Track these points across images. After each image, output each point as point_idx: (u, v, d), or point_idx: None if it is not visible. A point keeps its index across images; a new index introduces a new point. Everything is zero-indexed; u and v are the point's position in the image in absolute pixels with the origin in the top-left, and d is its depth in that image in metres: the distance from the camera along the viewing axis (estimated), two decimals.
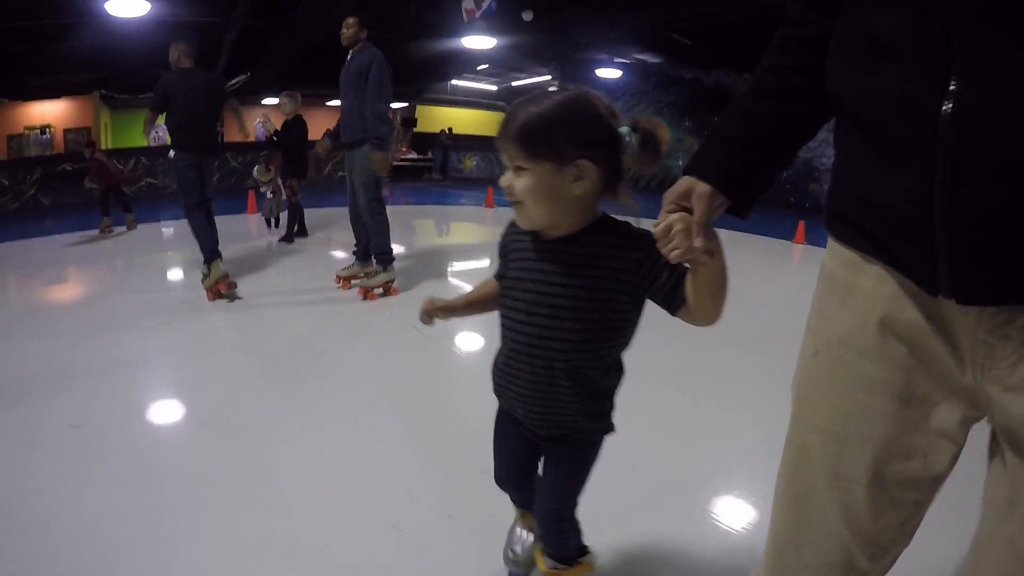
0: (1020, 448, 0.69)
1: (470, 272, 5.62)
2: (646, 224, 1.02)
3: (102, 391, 2.63)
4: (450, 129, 15.95)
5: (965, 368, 0.71)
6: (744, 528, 1.79)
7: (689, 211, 0.84)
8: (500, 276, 1.21)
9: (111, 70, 11.52)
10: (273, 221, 6.89)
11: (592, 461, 1.26)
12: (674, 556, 1.67)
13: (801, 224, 7.72)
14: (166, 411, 2.54)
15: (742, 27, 8.64)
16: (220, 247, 4.13)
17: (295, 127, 6.11)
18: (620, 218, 1.09)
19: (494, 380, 1.24)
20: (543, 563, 1.39)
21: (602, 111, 1.03)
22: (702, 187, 0.84)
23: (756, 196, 0.88)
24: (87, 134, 12.27)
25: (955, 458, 0.78)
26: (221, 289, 4.07)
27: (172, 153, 4.00)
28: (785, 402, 0.92)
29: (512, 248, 1.16)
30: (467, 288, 1.31)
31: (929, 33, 0.62)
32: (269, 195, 6.60)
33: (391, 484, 1.96)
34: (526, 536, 1.50)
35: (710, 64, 12.50)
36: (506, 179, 1.06)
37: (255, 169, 6.61)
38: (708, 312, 0.98)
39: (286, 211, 6.47)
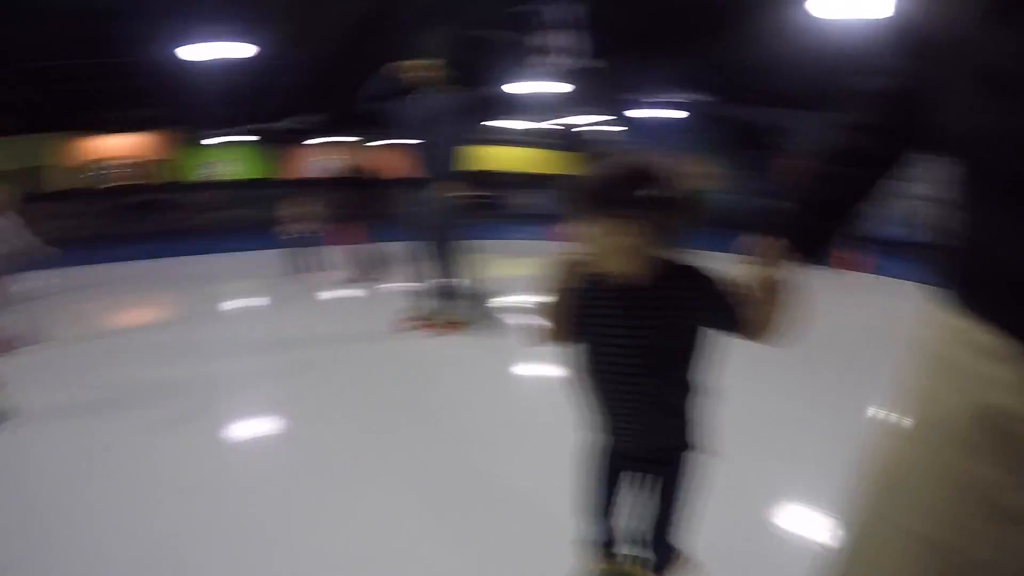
0: None
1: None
2: (708, 257, 1.24)
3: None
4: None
5: None
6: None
7: (768, 259, 1.01)
8: (576, 334, 1.33)
9: (177, 107, 12.43)
10: (302, 265, 6.31)
11: (689, 483, 1.39)
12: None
13: None
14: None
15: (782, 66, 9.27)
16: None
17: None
18: (678, 257, 1.24)
19: (597, 415, 1.38)
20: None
21: (663, 176, 1.16)
22: (781, 246, 0.98)
23: (826, 248, 0.98)
24: None
25: None
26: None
27: None
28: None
29: (584, 305, 1.29)
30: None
31: None
32: (294, 236, 6.09)
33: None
34: None
35: (752, 101, 13.17)
36: (582, 231, 1.19)
37: (293, 205, 6.16)
38: (766, 334, 1.17)
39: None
